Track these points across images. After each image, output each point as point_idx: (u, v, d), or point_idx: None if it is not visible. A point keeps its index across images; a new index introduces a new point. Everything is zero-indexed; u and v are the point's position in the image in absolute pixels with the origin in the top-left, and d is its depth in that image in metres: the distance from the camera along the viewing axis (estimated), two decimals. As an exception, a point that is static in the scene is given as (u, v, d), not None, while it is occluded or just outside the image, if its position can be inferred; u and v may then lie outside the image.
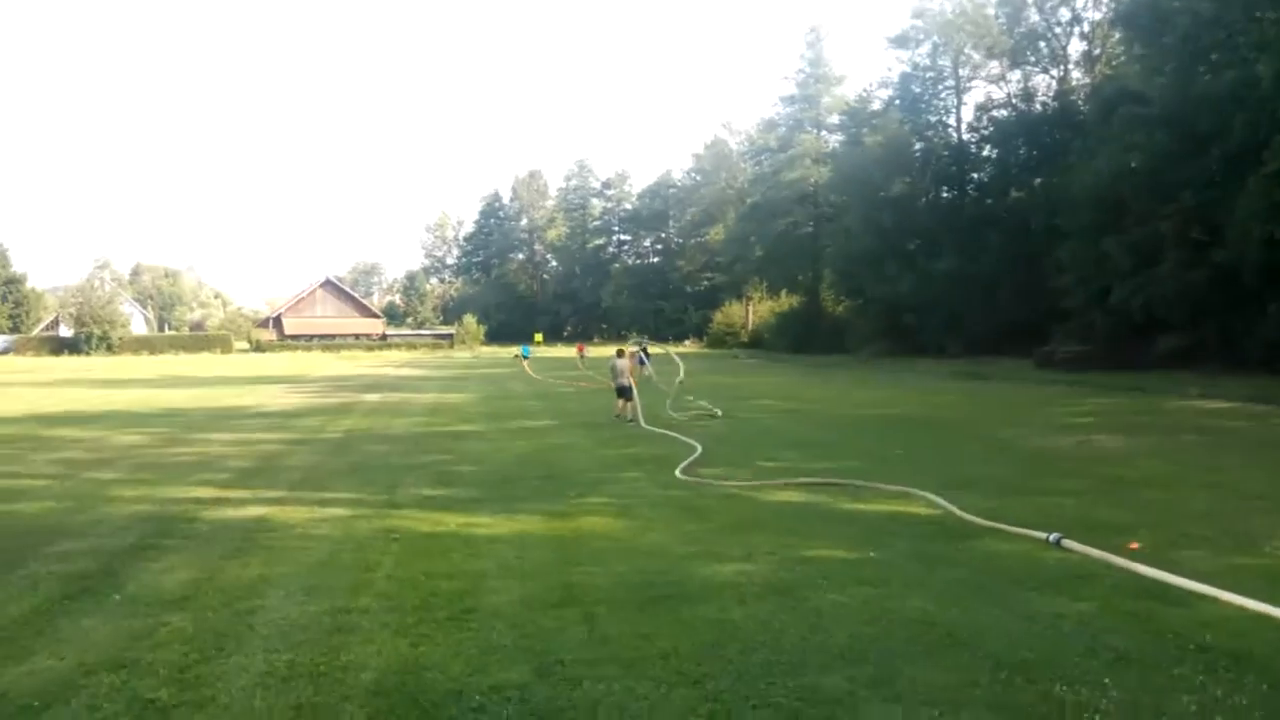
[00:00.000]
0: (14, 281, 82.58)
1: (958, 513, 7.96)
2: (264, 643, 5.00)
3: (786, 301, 63.47)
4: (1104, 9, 39.96)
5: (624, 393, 17.55)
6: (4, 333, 78.55)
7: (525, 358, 62.15)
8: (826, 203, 57.35)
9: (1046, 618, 5.19)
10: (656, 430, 15.37)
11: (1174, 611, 5.25)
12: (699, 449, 12.57)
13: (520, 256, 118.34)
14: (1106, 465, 10.87)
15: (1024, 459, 11.63)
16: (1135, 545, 6.52)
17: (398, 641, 4.97)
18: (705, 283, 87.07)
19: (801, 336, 54.57)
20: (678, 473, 10.55)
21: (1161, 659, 4.56)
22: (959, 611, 5.34)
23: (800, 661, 4.58)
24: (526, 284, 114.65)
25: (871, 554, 6.66)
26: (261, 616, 5.45)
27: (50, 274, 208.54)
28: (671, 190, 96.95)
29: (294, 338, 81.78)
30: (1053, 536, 6.78)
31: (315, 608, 5.58)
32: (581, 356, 57.80)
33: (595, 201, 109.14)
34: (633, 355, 20.32)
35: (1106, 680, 4.29)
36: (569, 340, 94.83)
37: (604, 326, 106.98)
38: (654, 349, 34.25)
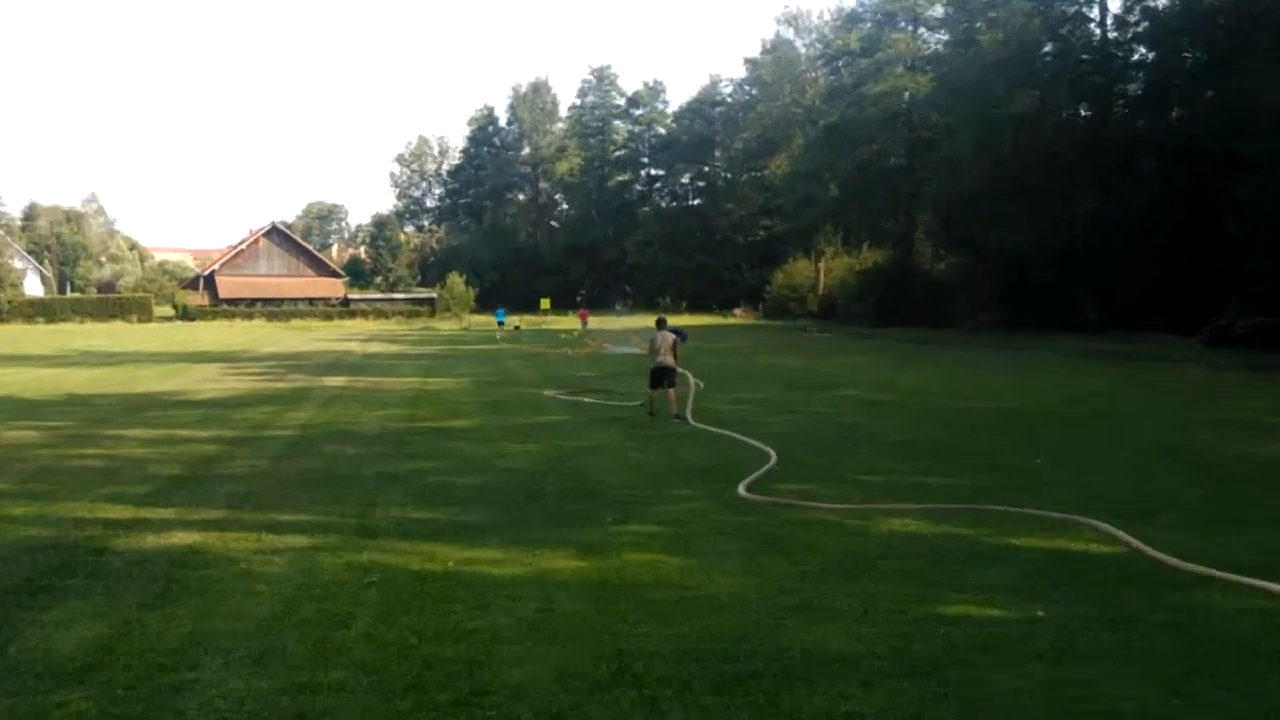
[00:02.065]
0: None
1: (1150, 552, 7.55)
2: (198, 737, 4.68)
3: (869, 257, 63.02)
4: None
5: (664, 377, 17.11)
6: None
7: (500, 324, 63.44)
8: (925, 124, 56.72)
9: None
10: (711, 429, 15.12)
11: None
12: (773, 456, 12.23)
13: (521, 197, 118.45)
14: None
15: (1219, 473, 11.23)
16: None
17: (384, 738, 4.64)
18: (762, 232, 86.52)
19: (888, 303, 54.34)
20: (742, 489, 10.28)
21: None
22: (1182, 704, 4.90)
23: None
24: (529, 233, 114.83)
25: (1039, 612, 6.28)
26: (193, 697, 5.11)
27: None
28: (718, 109, 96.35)
29: (231, 301, 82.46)
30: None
31: (268, 683, 5.24)
32: (584, 324, 58.56)
33: (618, 124, 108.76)
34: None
35: None
36: (578, 308, 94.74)
37: (628, 290, 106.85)
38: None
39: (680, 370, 18.04)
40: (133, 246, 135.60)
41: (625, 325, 56.13)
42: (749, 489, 10.36)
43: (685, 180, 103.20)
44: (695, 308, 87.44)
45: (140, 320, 74.39)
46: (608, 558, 7.70)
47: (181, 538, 8.45)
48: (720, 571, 7.31)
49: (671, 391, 17.04)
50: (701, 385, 22.37)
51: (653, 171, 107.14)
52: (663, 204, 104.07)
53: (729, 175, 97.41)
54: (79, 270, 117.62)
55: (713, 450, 13.19)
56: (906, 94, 58.51)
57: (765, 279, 75.73)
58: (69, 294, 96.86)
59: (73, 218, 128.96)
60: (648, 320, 18.66)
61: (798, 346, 40.89)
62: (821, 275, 70.78)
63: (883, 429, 15.31)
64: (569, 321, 68.56)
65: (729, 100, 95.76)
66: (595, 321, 63.25)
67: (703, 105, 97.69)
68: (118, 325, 69.66)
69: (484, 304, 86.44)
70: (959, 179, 46.54)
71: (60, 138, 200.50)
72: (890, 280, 56.75)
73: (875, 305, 55.35)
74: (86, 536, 8.49)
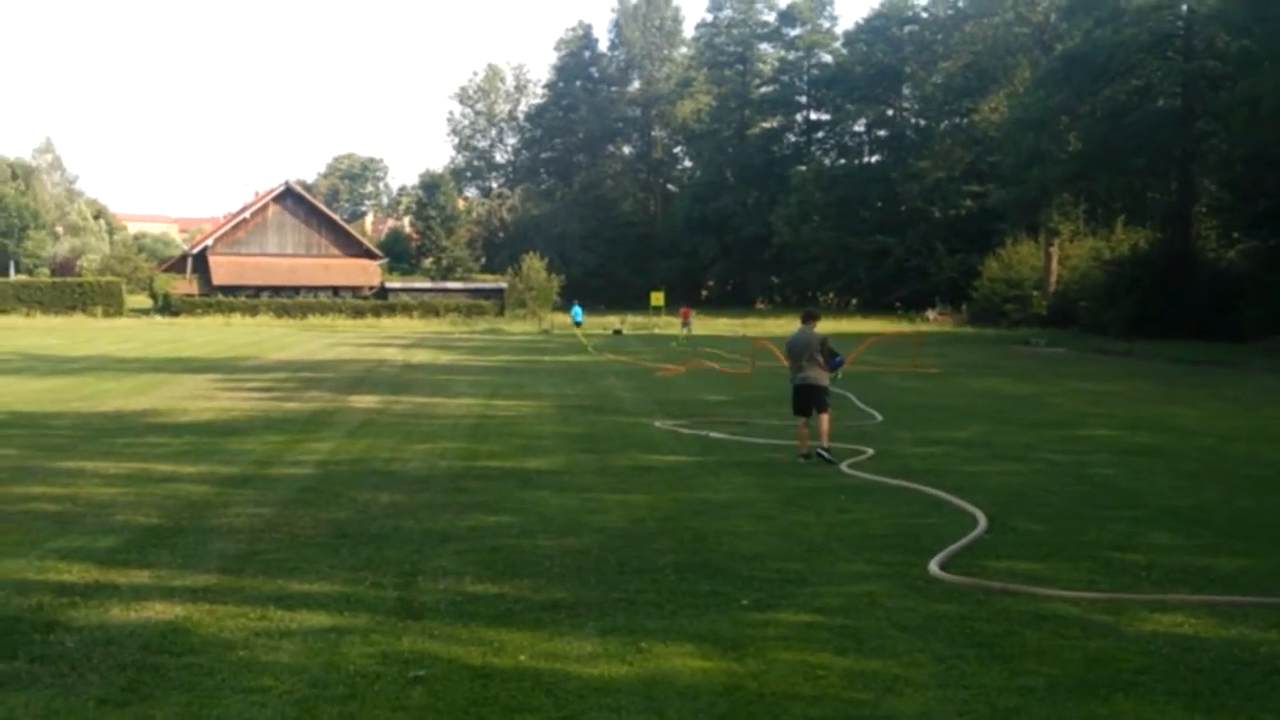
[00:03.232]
0: None
1: None
2: None
3: (1125, 240, 61.74)
4: None
5: (810, 399, 17.04)
6: None
7: (578, 324, 64.65)
8: (1210, 51, 55.55)
9: None
10: (890, 480, 15.00)
11: None
12: (982, 520, 12.05)
13: (627, 150, 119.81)
14: None
15: None
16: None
17: None
18: (968, 202, 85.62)
19: (1154, 306, 53.32)
20: (935, 567, 10.15)
21: None
22: None
23: None
24: (637, 200, 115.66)
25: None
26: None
27: None
28: (908, 29, 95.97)
29: (228, 290, 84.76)
30: None
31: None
32: (686, 325, 59.12)
33: (765, 49, 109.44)
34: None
35: None
36: (707, 305, 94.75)
37: (774, 281, 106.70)
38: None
39: (834, 388, 17.93)
40: (99, 214, 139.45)
41: (768, 331, 55.94)
42: (945, 566, 10.22)
43: (859, 129, 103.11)
44: (870, 307, 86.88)
45: (108, 314, 76.61)
46: (744, 657, 7.64)
47: (159, 611, 8.59)
48: (905, 683, 7.21)
49: (824, 418, 16.99)
50: (879, 419, 22.26)
51: (813, 116, 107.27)
52: (826, 161, 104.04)
53: (922, 122, 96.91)
54: (27, 244, 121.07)
55: (894, 510, 13.05)
56: (1184, 6, 57.35)
57: (972, 269, 74.82)
58: (12, 276, 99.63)
59: (20, 173, 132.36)
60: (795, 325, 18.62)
61: (1018, 366, 40.21)
62: (1054, 265, 69.62)
63: (1147, 487, 15.00)
64: (698, 324, 68.70)
65: (924, 16, 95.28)
66: (699, 326, 63.37)
67: (886, 24, 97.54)
68: (77, 320, 71.87)
69: (572, 298, 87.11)
70: (1261, 130, 45.36)
71: (5, 70, 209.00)
72: (1157, 274, 55.58)
73: (1134, 309, 54.29)
74: (31, 606, 8.70)
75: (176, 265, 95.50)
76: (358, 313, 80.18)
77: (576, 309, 70.52)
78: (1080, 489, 14.79)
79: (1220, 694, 7.08)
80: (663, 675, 7.31)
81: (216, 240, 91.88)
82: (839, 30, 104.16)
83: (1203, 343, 47.31)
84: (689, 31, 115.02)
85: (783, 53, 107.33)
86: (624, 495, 13.87)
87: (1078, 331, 58.78)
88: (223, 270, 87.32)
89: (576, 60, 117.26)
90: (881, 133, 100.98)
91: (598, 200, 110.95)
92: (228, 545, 10.87)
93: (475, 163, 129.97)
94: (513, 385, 30.43)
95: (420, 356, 42.86)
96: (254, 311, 78.23)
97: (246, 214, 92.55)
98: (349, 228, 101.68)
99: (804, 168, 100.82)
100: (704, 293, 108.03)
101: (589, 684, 7.13)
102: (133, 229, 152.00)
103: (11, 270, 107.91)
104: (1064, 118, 61.21)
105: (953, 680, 7.28)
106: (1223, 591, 9.48)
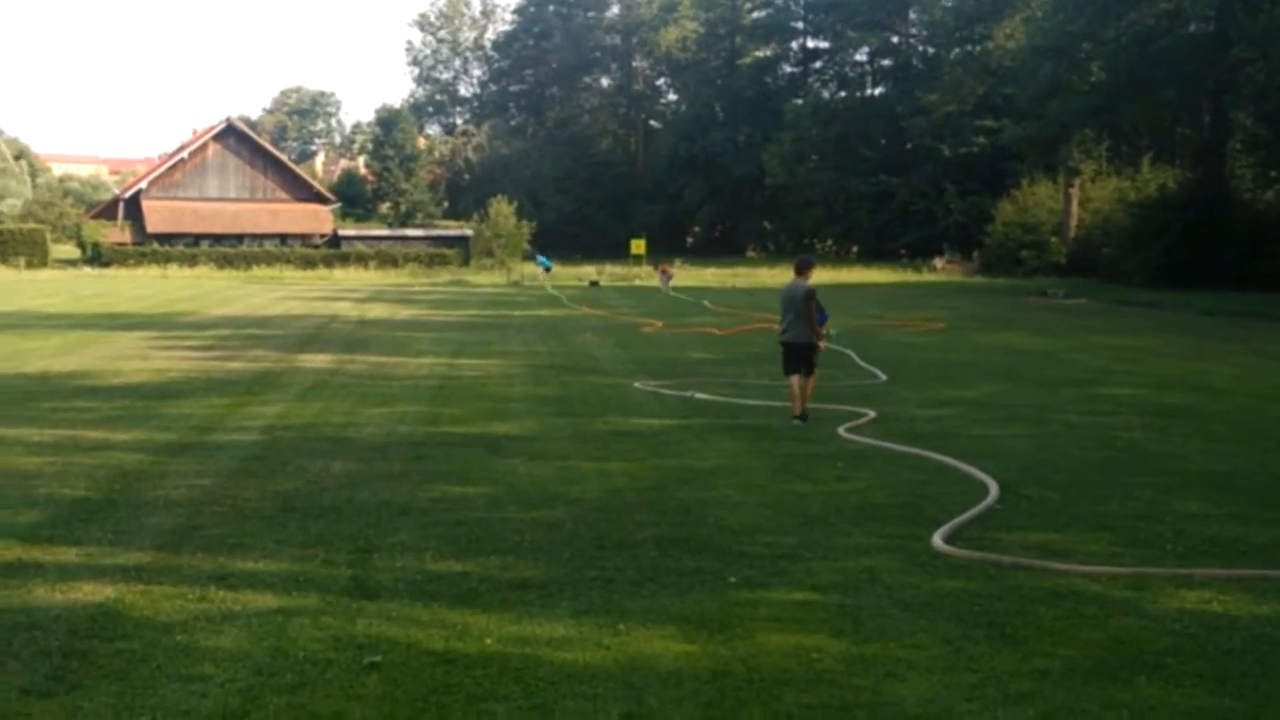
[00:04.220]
0: None
1: None
2: None
3: (1152, 179, 61.86)
4: None
5: (800, 359, 17.26)
6: None
7: (546, 270, 65.56)
8: (1247, -31, 55.11)
9: None
10: (894, 446, 15.11)
11: None
12: (993, 489, 12.15)
13: (605, 82, 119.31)
14: None
15: None
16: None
17: None
18: (981, 139, 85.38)
19: (1184, 252, 53.45)
20: (939, 540, 10.24)
21: None
22: None
23: None
24: (617, 138, 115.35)
25: None
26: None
27: None
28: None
29: (165, 238, 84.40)
30: None
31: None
32: (665, 281, 59.74)
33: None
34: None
35: None
36: (694, 254, 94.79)
37: (767, 226, 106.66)
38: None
39: (826, 345, 18.04)
40: (20, 154, 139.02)
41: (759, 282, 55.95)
42: (952, 539, 10.29)
43: (861, 58, 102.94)
44: (873, 255, 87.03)
45: (31, 265, 76.48)
46: (731, 640, 7.70)
47: (88, 592, 8.61)
48: (909, 667, 7.26)
49: (809, 380, 17.31)
50: (882, 378, 22.34)
51: (810, 44, 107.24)
52: (825, 94, 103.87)
53: (930, 50, 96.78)
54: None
55: (897, 478, 13.15)
56: (1219, -82, 57.16)
57: (984, 213, 74.87)
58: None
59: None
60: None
61: (1034, 319, 40.38)
62: (1075, 209, 69.69)
63: (1176, 451, 15.11)
64: (683, 275, 68.77)
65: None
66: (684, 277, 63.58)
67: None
68: (-3, 272, 71.60)
69: (544, 246, 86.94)
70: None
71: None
72: (1187, 217, 55.54)
73: (1161, 256, 54.45)
74: (-51, 586, 8.71)
75: (107, 211, 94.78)
76: (308, 263, 79.85)
77: (542, 257, 70.55)
78: (1101, 453, 14.88)
79: (1251, 676, 7.16)
80: (643, 660, 7.35)
81: (151, 183, 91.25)
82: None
83: (1237, 292, 47.44)
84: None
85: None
86: (601, 463, 13.93)
87: (1100, 281, 58.83)
88: (158, 216, 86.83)
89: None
90: (886, 62, 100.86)
91: (573, 138, 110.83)
92: (164, 520, 10.88)
93: (437, 97, 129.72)
94: (479, 343, 30.42)
95: (377, 311, 42.84)
96: (193, 262, 77.87)
97: (184, 154, 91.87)
98: (298, 169, 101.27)
99: (800, 101, 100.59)
100: (690, 240, 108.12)
101: (562, 670, 7.16)
102: (58, 171, 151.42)
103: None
104: (1086, 45, 61.03)
105: (960, 663, 7.35)
106: (1256, 565, 9.57)
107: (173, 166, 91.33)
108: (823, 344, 18.06)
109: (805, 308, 17.24)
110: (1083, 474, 13.44)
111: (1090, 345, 30.51)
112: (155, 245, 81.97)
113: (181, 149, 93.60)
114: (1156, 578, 9.22)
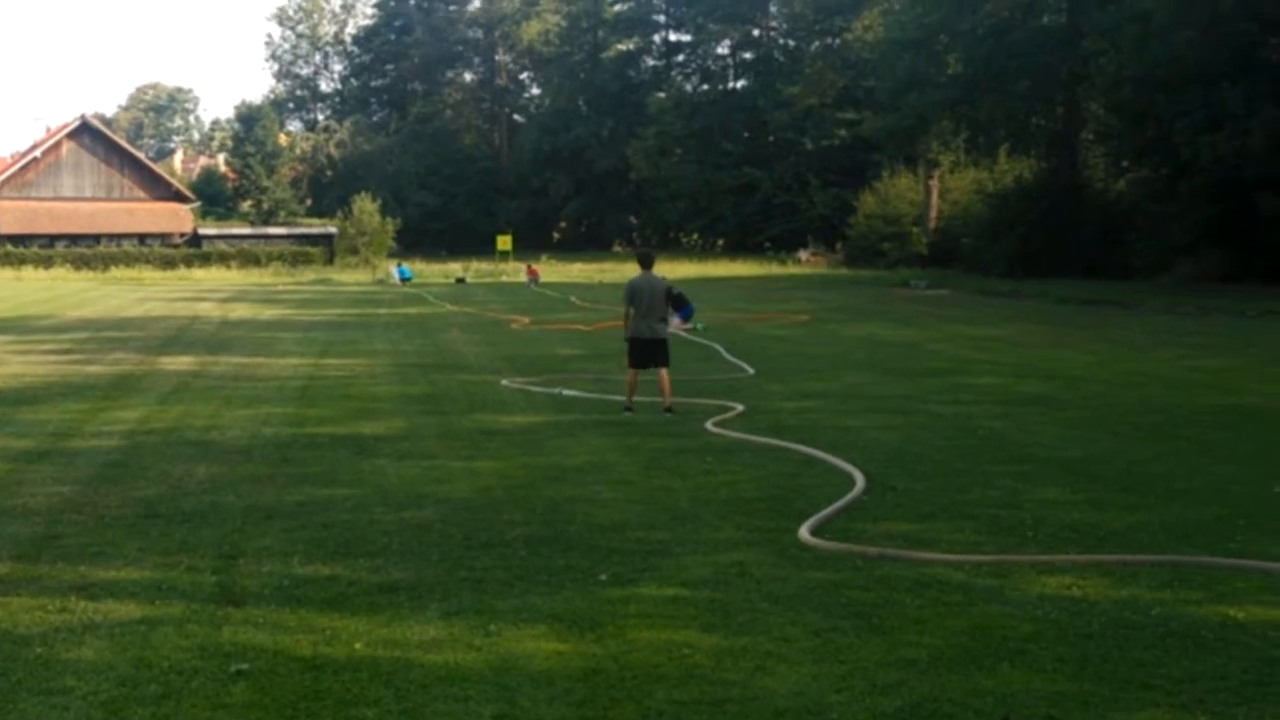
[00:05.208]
0: None
1: None
2: None
3: (1009, 170, 62.89)
4: None
5: (650, 352, 17.49)
6: None
7: (405, 280, 65.14)
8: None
9: None
10: (760, 439, 15.22)
11: None
12: (859, 480, 12.30)
13: (468, 77, 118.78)
14: None
15: None
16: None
17: None
18: (842, 132, 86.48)
19: (1039, 242, 54.32)
20: (806, 533, 10.33)
21: None
22: None
23: None
24: (481, 133, 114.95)
25: (1275, 728, 6.28)
26: None
27: None
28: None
29: (17, 239, 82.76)
30: None
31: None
32: (533, 281, 59.99)
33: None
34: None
35: None
36: (560, 249, 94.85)
37: (633, 221, 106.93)
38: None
39: (699, 339, 18.16)
40: None
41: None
42: (818, 531, 10.35)
43: (723, 51, 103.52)
44: (737, 248, 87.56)
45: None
46: (603, 638, 7.70)
47: (-58, 606, 8.45)
48: (778, 659, 7.30)
49: (664, 373, 17.46)
50: (750, 372, 22.51)
51: (672, 37, 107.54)
52: (688, 88, 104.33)
53: (791, 43, 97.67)
54: None
55: (765, 471, 13.23)
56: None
57: (847, 205, 75.65)
58: None
59: None
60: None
61: (897, 310, 40.88)
62: (935, 200, 70.68)
63: (1034, 439, 15.35)
64: (550, 271, 68.74)
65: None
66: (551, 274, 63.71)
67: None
68: None
69: (410, 246, 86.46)
70: (1152, 50, 46.35)
71: None
72: (1043, 208, 56.67)
73: (1018, 245, 55.42)
74: None
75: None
76: (168, 263, 78.78)
77: (403, 268, 69.75)
78: (964, 443, 15.11)
79: (1111, 660, 7.29)
80: (514, 660, 7.34)
81: (3, 183, 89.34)
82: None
83: (1091, 281, 48.38)
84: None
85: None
86: (470, 462, 13.90)
87: (960, 271, 59.67)
88: (10, 217, 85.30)
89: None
90: (747, 55, 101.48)
91: (436, 133, 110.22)
92: (21, 529, 10.70)
93: (298, 92, 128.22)
94: (345, 342, 30.21)
95: (240, 312, 42.34)
96: (48, 263, 76.38)
97: (37, 153, 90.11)
98: (155, 167, 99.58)
99: (663, 95, 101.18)
100: (556, 235, 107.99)
101: (433, 672, 7.14)
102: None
103: None
104: (943, 37, 61.88)
105: (828, 655, 7.39)
106: (1114, 549, 9.76)
107: (25, 166, 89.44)
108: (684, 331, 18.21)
109: (665, 302, 17.62)
110: (947, 464, 13.63)
111: (952, 335, 30.99)
112: (9, 247, 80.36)
113: (34, 147, 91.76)
114: (1018, 565, 9.37)
